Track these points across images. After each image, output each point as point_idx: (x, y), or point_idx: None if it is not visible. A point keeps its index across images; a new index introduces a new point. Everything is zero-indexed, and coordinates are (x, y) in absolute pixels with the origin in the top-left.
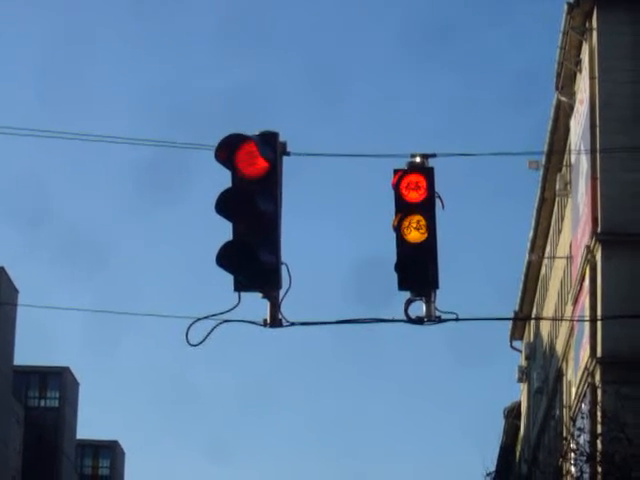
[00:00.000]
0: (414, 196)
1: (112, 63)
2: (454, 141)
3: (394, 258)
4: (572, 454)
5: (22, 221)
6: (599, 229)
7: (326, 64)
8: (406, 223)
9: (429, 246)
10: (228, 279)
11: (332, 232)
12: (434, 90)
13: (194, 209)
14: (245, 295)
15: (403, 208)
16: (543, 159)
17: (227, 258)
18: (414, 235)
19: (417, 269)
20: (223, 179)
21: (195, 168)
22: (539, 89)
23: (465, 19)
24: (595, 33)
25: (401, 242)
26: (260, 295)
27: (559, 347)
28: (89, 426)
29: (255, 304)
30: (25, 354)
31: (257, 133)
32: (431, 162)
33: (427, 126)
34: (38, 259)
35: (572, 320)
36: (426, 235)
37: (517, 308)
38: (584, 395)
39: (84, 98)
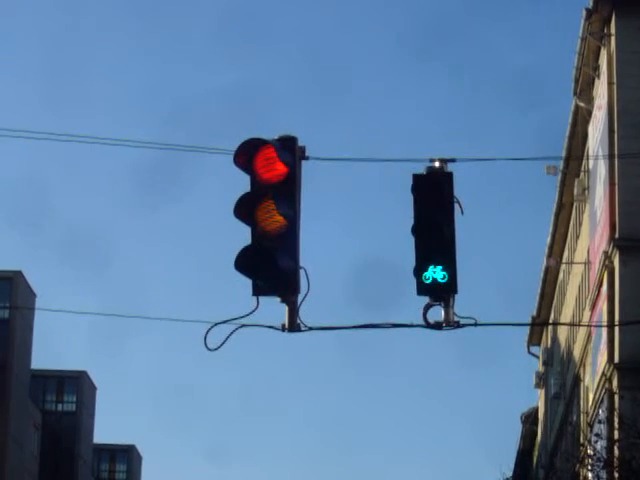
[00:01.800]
0: None
1: (112, 62)
2: (461, 142)
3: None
4: (589, 460)
5: (25, 224)
6: (617, 235)
7: (327, 63)
8: None
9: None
10: (244, 283)
11: (339, 235)
12: (436, 91)
13: (198, 208)
14: (261, 299)
15: None
16: (561, 164)
17: (246, 262)
18: None
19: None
20: (227, 178)
21: (199, 167)
22: (544, 90)
23: (469, 19)
24: (613, 39)
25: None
26: (278, 300)
27: (576, 353)
28: (106, 430)
29: (266, 308)
30: (42, 358)
31: (276, 137)
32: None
33: (430, 126)
34: (43, 262)
35: (590, 325)
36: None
37: (535, 313)
38: (601, 401)
39: (83, 97)
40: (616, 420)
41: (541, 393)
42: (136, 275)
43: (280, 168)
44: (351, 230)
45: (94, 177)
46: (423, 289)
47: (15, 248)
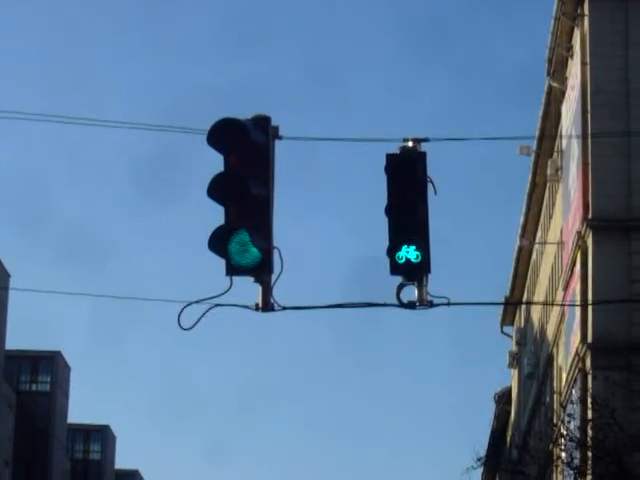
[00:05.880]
0: None
1: (111, 61)
2: (451, 133)
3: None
4: (562, 440)
5: (22, 216)
6: (590, 215)
7: (327, 62)
8: None
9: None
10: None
11: (331, 225)
12: (434, 86)
13: (195, 201)
14: (237, 280)
15: None
16: (534, 144)
17: (219, 242)
18: None
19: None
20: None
21: (195, 160)
22: (537, 83)
23: (463, 14)
24: (586, 19)
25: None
26: (252, 279)
27: (550, 332)
28: (80, 410)
29: (245, 291)
30: (17, 339)
31: (249, 117)
32: (424, 148)
33: (425, 121)
34: (38, 255)
35: (563, 305)
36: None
37: (508, 293)
38: (574, 381)
39: (83, 96)
40: (589, 400)
41: (514, 373)
42: (132, 268)
43: (253, 147)
44: (343, 220)
45: (92, 171)
46: (396, 269)
47: (7, 241)
